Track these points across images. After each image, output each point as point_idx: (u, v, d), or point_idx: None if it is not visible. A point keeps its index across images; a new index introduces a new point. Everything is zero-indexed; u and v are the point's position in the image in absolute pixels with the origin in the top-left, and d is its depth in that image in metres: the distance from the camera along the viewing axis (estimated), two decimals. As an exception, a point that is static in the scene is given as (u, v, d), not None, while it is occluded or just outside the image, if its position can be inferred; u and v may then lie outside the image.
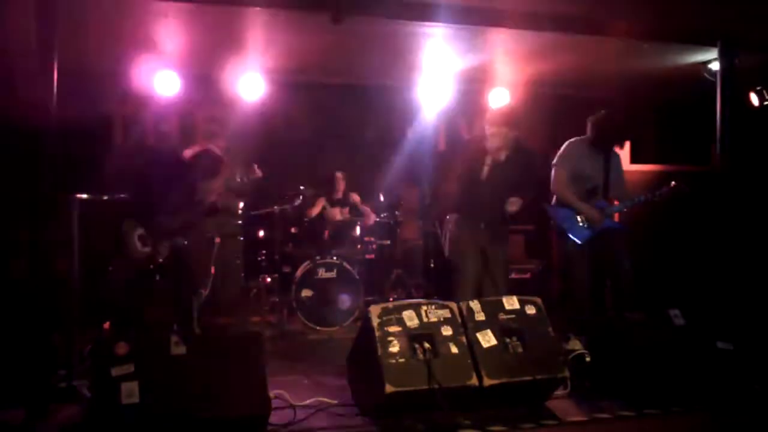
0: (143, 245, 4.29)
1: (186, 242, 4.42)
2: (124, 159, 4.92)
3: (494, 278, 4.61)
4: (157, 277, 4.45)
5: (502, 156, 4.59)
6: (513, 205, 4.50)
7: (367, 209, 6.69)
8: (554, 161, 4.95)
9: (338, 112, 7.04)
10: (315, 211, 6.54)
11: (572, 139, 4.95)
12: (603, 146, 4.87)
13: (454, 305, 3.75)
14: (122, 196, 4.35)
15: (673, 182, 4.83)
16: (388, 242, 6.70)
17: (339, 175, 6.73)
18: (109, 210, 4.50)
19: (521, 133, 4.65)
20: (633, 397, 3.75)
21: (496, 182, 4.53)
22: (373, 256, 6.58)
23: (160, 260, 4.29)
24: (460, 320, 3.69)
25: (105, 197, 4.27)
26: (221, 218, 5.45)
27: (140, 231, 4.29)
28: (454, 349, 3.57)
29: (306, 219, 6.26)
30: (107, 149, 6.21)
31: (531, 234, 7.08)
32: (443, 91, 6.68)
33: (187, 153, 4.53)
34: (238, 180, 4.74)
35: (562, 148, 4.95)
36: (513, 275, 6.56)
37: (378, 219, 6.65)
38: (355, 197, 6.81)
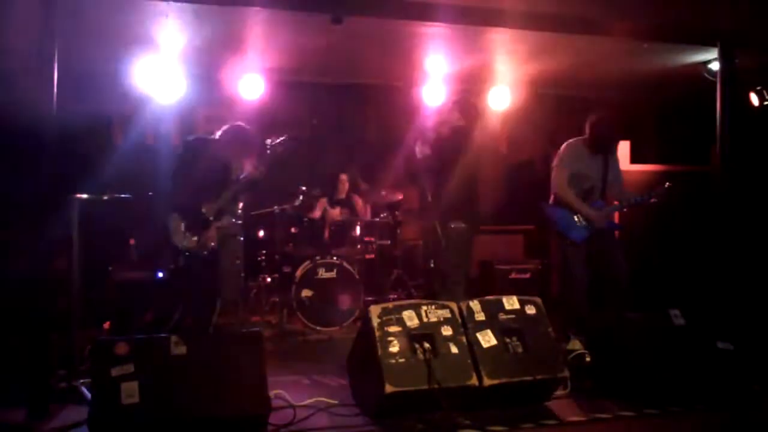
0: (192, 235, 4.36)
1: (232, 222, 4.52)
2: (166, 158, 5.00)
3: None
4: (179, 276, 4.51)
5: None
6: None
7: (362, 208, 6.73)
8: (554, 162, 4.97)
9: (338, 112, 7.04)
10: (317, 213, 6.55)
11: (571, 140, 4.97)
12: (600, 147, 4.89)
13: (454, 305, 3.75)
14: (123, 195, 4.35)
15: (667, 183, 4.84)
16: (388, 242, 6.70)
17: (343, 177, 6.74)
18: (151, 206, 4.58)
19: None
20: (633, 397, 3.75)
21: None
22: (373, 256, 6.58)
23: (213, 245, 4.40)
24: (460, 320, 3.69)
25: (105, 197, 4.27)
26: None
27: (186, 223, 4.35)
28: (454, 349, 3.57)
29: (305, 219, 6.26)
30: (107, 149, 6.21)
31: (531, 234, 7.08)
32: (443, 91, 6.69)
33: (217, 132, 4.55)
34: (268, 148, 4.73)
35: (562, 149, 4.97)
36: (513, 275, 6.59)
37: (377, 219, 6.65)
38: (358, 199, 6.82)
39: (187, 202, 4.37)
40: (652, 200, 4.84)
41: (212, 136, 4.55)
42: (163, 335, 3.35)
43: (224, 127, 4.56)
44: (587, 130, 4.91)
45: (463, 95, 5.04)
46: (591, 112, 4.94)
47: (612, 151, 5.03)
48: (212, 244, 4.41)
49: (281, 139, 4.76)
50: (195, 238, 4.36)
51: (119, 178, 5.38)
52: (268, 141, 4.76)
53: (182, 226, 4.35)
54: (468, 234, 4.83)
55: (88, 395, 3.51)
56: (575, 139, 4.96)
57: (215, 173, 4.47)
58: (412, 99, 6.80)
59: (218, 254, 4.52)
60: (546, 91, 7.14)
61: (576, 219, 4.83)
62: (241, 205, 5.50)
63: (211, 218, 4.43)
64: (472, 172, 4.75)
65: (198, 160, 4.40)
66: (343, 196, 6.75)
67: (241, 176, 4.54)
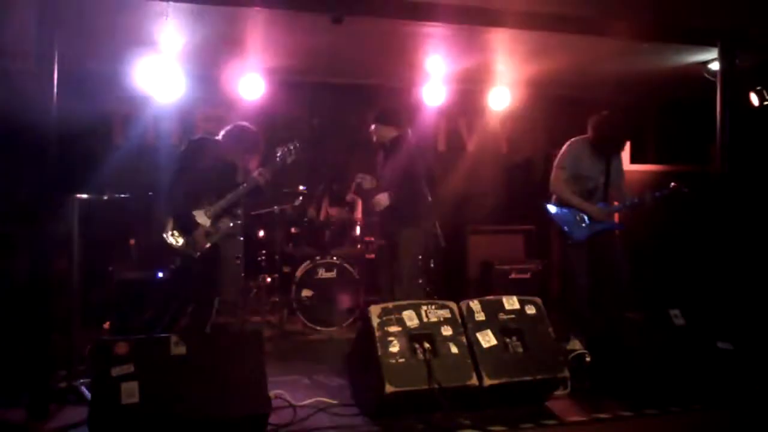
0: (179, 235, 4.28)
1: (230, 225, 4.43)
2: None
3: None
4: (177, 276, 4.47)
5: (380, 152, 5.06)
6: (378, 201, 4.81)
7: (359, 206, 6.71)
8: (555, 161, 4.96)
9: (338, 112, 7.04)
10: (322, 214, 6.54)
11: (574, 139, 4.95)
12: (604, 148, 4.87)
13: (454, 305, 3.75)
14: (123, 195, 4.34)
15: (672, 183, 4.83)
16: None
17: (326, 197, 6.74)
18: (151, 206, 4.58)
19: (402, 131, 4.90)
20: (633, 397, 3.76)
21: (383, 176, 4.98)
22: (373, 256, 6.57)
23: (205, 246, 4.29)
24: (460, 320, 3.70)
25: (105, 197, 4.26)
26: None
27: (174, 224, 4.28)
28: (454, 349, 3.57)
29: (306, 219, 6.25)
30: (107, 149, 6.21)
31: (531, 234, 7.08)
32: (443, 91, 6.69)
33: (221, 132, 4.51)
34: (278, 157, 4.63)
35: (564, 147, 4.96)
36: (513, 275, 6.59)
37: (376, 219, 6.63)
38: (358, 200, 6.80)
39: (180, 202, 4.29)
40: (656, 201, 4.81)
41: (216, 137, 4.52)
42: (163, 335, 3.36)
43: (227, 128, 4.52)
44: (590, 131, 4.88)
45: (382, 107, 5.14)
46: (594, 113, 4.91)
47: (617, 152, 5.01)
48: (205, 245, 4.28)
49: (291, 147, 4.69)
50: (182, 240, 4.26)
51: (119, 178, 5.39)
52: (278, 150, 4.65)
53: (170, 227, 4.26)
54: (405, 234, 4.80)
55: (88, 395, 3.52)
56: (578, 138, 4.93)
57: (218, 174, 4.41)
58: (412, 99, 6.79)
59: (215, 255, 4.42)
60: (546, 91, 7.14)
61: (578, 218, 4.82)
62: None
63: (200, 220, 4.32)
64: (412, 175, 4.66)
65: (201, 160, 4.35)
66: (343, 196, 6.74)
67: (244, 183, 4.43)
